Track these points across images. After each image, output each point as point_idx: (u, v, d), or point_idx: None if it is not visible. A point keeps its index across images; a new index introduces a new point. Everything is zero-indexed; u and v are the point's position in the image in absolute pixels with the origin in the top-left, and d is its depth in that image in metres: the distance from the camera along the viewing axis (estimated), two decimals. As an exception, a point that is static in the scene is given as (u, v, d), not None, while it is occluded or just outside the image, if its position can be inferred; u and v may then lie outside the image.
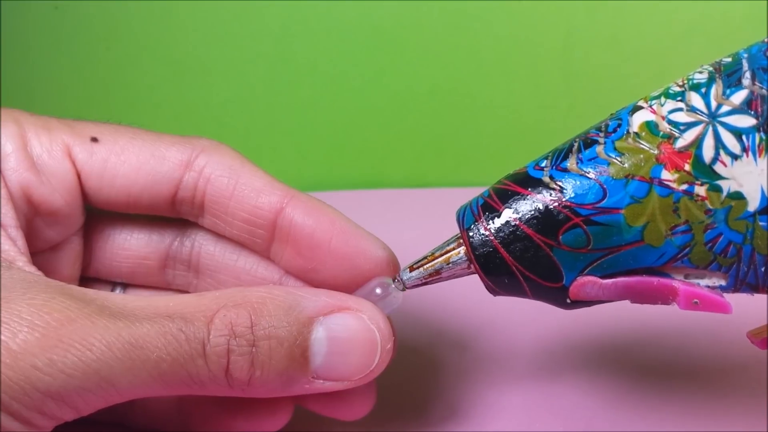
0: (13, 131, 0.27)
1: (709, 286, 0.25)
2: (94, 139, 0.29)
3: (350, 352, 0.25)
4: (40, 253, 0.29)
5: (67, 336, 0.21)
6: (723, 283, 0.25)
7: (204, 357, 0.23)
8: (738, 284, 0.24)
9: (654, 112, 0.24)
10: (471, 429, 0.30)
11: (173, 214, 0.30)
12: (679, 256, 0.24)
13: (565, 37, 0.53)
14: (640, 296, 0.25)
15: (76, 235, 0.30)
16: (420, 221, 0.48)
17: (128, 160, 0.29)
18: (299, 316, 0.25)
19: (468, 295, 0.39)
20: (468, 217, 0.26)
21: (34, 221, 0.28)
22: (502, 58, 0.54)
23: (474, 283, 0.39)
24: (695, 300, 0.24)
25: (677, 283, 0.24)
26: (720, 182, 0.23)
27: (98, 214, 0.31)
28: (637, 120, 0.25)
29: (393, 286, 0.28)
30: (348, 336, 0.25)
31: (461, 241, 0.27)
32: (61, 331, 0.21)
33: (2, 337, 0.21)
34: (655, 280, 0.25)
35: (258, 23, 0.55)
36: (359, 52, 0.55)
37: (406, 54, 0.55)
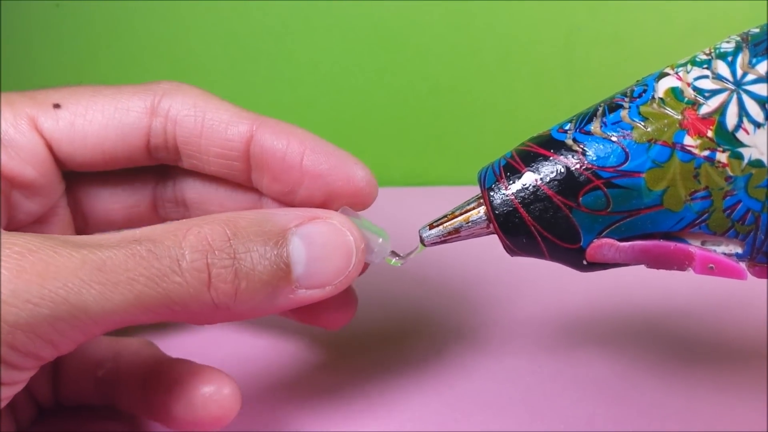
0: None
1: (725, 254, 0.24)
2: (57, 106, 0.28)
3: (328, 257, 0.25)
4: (27, 227, 0.28)
5: (30, 266, 0.20)
6: (739, 250, 0.23)
7: (180, 273, 0.22)
8: (754, 252, 0.23)
9: (680, 78, 0.23)
10: (471, 428, 0.29)
11: (153, 162, 0.29)
12: (698, 221, 0.23)
13: (566, 35, 0.52)
14: (656, 260, 0.24)
15: (59, 206, 0.29)
16: (421, 220, 0.47)
17: (94, 119, 0.28)
18: (273, 228, 0.24)
19: (469, 291, 0.39)
20: (490, 177, 0.25)
21: (12, 195, 0.27)
22: (504, 56, 0.53)
23: (474, 280, 0.39)
24: (711, 265, 0.23)
25: (694, 248, 0.23)
26: (742, 150, 0.22)
27: (80, 182, 0.30)
28: (663, 86, 0.24)
29: (381, 241, 0.27)
30: (323, 241, 0.25)
31: (481, 201, 0.25)
32: (23, 262, 0.20)
33: None
34: (672, 244, 0.24)
35: (259, 22, 0.54)
36: (360, 51, 0.54)
37: (408, 52, 0.54)
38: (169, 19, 0.55)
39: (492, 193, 0.25)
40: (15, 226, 0.27)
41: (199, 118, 0.28)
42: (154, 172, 0.31)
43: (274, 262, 0.23)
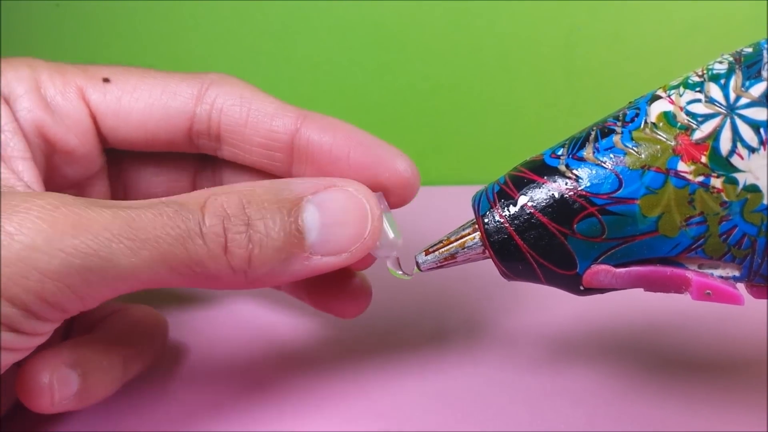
0: (26, 74, 0.28)
1: (722, 277, 0.23)
2: (106, 80, 0.29)
3: (342, 223, 0.25)
4: (63, 191, 0.29)
5: (63, 218, 0.20)
6: (737, 273, 0.23)
7: (202, 236, 0.23)
8: (752, 275, 0.23)
9: (672, 102, 0.23)
10: (471, 428, 0.29)
11: (193, 149, 0.30)
12: (694, 246, 0.23)
13: (567, 35, 0.51)
14: (653, 285, 0.24)
15: (99, 177, 0.31)
16: (421, 219, 0.47)
17: (141, 97, 0.29)
18: (289, 196, 0.25)
19: (470, 293, 0.39)
20: (483, 203, 0.25)
21: (53, 159, 0.28)
22: (504, 55, 0.53)
23: (476, 281, 0.39)
24: (708, 291, 0.23)
25: (690, 273, 0.23)
26: (736, 175, 0.22)
27: (124, 159, 0.31)
28: (655, 110, 0.23)
29: (392, 237, 0.27)
30: (338, 207, 0.25)
31: (476, 226, 0.25)
32: (56, 214, 0.21)
33: None
34: (668, 270, 0.23)
35: (259, 21, 0.53)
36: (361, 51, 0.54)
37: (408, 51, 0.54)
38: (169, 20, 0.54)
39: (486, 220, 0.25)
40: (51, 188, 0.28)
41: (245, 108, 0.29)
42: (195, 158, 0.32)
43: (286, 229, 0.24)
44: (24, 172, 0.26)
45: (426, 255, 0.26)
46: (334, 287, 0.31)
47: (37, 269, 0.20)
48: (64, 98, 0.28)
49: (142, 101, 0.29)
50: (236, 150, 0.30)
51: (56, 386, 0.25)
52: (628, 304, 0.36)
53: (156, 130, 0.29)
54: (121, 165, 0.31)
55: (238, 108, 0.29)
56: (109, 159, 0.31)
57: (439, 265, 0.26)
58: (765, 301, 0.31)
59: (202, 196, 0.24)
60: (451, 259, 0.26)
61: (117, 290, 0.22)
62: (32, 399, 0.25)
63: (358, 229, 0.25)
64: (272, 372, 0.32)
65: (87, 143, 0.29)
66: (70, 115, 0.28)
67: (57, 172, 0.29)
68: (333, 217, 0.25)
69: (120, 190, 0.32)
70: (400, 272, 0.28)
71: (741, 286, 0.24)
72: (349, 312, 0.31)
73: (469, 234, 0.26)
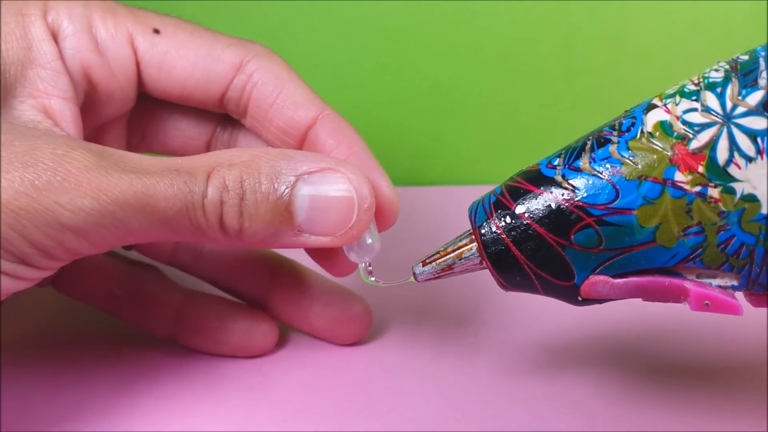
0: (78, 13, 0.28)
1: (720, 286, 0.23)
2: (156, 31, 0.29)
3: (329, 210, 0.26)
4: (87, 129, 0.30)
5: (86, 182, 0.23)
6: (735, 283, 0.23)
7: (203, 208, 0.24)
8: (750, 284, 0.23)
9: (668, 111, 0.23)
10: (471, 428, 0.29)
11: (220, 110, 0.31)
12: (692, 256, 0.23)
13: (567, 35, 0.51)
14: (651, 295, 0.24)
15: (120, 120, 0.32)
16: (421, 219, 0.47)
17: (186, 56, 0.29)
18: (285, 174, 0.25)
19: (469, 292, 0.39)
20: (480, 214, 0.25)
21: (91, 98, 0.29)
22: (504, 56, 0.53)
23: (476, 280, 0.39)
24: (706, 302, 0.23)
25: (689, 283, 0.23)
26: (734, 184, 0.22)
27: (151, 103, 0.32)
28: (651, 119, 0.23)
29: (369, 241, 0.27)
30: (327, 194, 0.26)
31: (473, 237, 0.25)
32: (80, 178, 0.23)
33: (28, 176, 0.22)
34: (666, 280, 0.23)
35: (259, 21, 0.53)
36: (361, 50, 0.54)
37: (408, 52, 0.53)
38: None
39: (483, 231, 0.25)
40: (84, 124, 0.29)
41: (277, 90, 0.30)
42: (217, 118, 0.33)
43: (276, 207, 0.25)
44: (61, 111, 0.27)
45: (423, 266, 0.26)
46: (336, 313, 0.33)
47: (59, 222, 0.23)
48: (114, 42, 0.29)
49: (187, 60, 0.29)
50: (256, 124, 0.31)
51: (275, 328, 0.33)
52: (627, 308, 0.36)
53: (193, 90, 0.30)
54: (143, 110, 0.32)
55: (270, 88, 0.30)
56: (138, 101, 0.31)
57: (436, 276, 0.26)
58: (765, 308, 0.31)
59: (210, 164, 0.25)
60: (448, 270, 0.26)
61: (127, 242, 0.25)
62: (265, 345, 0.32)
63: (343, 217, 0.26)
64: (272, 372, 0.32)
65: (127, 88, 0.30)
66: (118, 59, 0.29)
67: (89, 111, 0.30)
68: (321, 203, 0.26)
69: (137, 136, 0.33)
70: (373, 279, 0.28)
71: (740, 295, 0.24)
72: (347, 338, 0.34)
73: (466, 245, 0.26)
